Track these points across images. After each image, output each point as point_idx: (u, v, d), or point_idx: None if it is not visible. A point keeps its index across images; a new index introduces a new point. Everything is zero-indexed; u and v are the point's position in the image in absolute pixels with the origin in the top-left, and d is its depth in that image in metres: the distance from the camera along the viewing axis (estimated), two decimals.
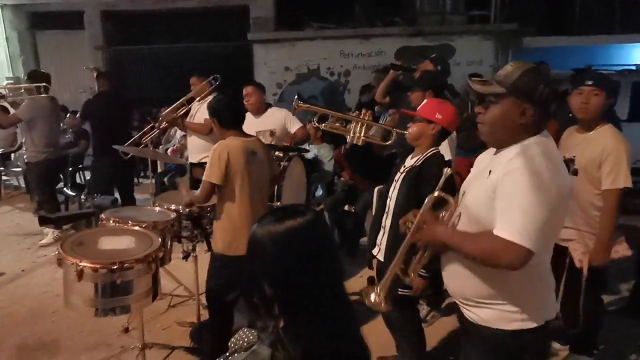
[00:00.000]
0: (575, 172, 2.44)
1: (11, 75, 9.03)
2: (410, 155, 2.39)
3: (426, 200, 1.75)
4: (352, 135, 2.63)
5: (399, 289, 2.33)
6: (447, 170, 1.85)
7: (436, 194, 1.73)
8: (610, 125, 2.45)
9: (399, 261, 1.79)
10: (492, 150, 1.67)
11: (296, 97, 2.93)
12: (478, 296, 1.60)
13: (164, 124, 4.31)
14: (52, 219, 3.63)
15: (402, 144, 2.68)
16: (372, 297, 1.76)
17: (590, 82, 2.39)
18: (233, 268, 2.59)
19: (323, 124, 2.77)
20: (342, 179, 5.00)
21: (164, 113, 4.29)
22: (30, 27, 9.30)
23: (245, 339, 1.03)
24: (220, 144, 2.62)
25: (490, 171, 1.56)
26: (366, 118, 2.62)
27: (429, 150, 2.30)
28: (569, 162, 2.45)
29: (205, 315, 3.28)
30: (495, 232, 1.43)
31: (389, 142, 2.77)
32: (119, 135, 4.50)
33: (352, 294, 3.11)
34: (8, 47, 9.26)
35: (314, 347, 0.92)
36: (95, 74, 5.16)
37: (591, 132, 2.44)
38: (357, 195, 4.61)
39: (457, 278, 1.67)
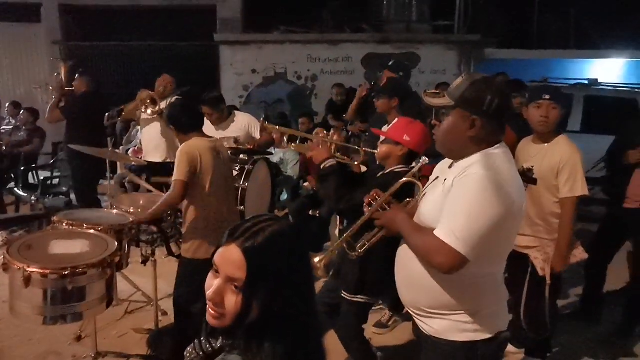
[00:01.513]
0: (535, 182, 2.52)
1: None
2: (381, 173, 2.39)
3: (396, 184, 1.77)
4: None
5: (360, 296, 2.34)
6: (424, 159, 1.87)
7: (407, 179, 1.76)
8: (565, 135, 2.55)
9: (350, 234, 1.82)
10: (449, 160, 1.68)
11: (262, 117, 2.92)
12: (430, 307, 1.60)
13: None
14: None
15: (374, 162, 2.69)
16: (316, 260, 1.79)
17: (547, 97, 2.48)
18: (204, 272, 2.50)
19: (292, 144, 2.73)
20: (307, 183, 4.99)
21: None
22: None
23: (203, 348, 0.99)
24: (188, 144, 2.56)
25: (445, 179, 1.57)
26: (335, 138, 2.59)
27: (397, 167, 2.29)
28: (527, 172, 2.53)
29: (164, 321, 3.19)
30: (436, 232, 1.45)
31: (357, 162, 2.75)
32: (99, 136, 4.37)
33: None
34: None
35: (300, 346, 0.92)
36: (63, 67, 4.88)
37: (548, 143, 2.53)
38: (322, 200, 4.61)
39: (410, 288, 1.67)
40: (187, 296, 2.58)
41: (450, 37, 8.31)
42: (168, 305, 2.98)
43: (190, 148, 2.52)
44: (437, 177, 1.70)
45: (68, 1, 8.57)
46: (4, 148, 5.51)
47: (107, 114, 4.71)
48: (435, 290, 1.57)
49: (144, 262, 3.04)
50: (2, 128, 6.23)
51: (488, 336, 1.56)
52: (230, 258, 0.91)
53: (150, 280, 3.21)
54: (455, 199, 1.45)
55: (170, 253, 3.09)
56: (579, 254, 2.57)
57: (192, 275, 2.57)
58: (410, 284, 1.66)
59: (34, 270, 2.02)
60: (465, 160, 1.54)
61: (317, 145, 2.41)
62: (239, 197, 3.43)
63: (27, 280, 2.00)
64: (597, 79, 7.01)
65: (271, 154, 4.49)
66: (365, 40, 8.25)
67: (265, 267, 0.90)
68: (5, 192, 5.47)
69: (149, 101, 4.15)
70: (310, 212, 4.62)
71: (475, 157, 1.52)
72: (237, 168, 3.55)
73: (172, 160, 4.22)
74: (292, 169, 5.04)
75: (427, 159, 1.90)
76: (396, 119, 2.49)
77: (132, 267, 2.91)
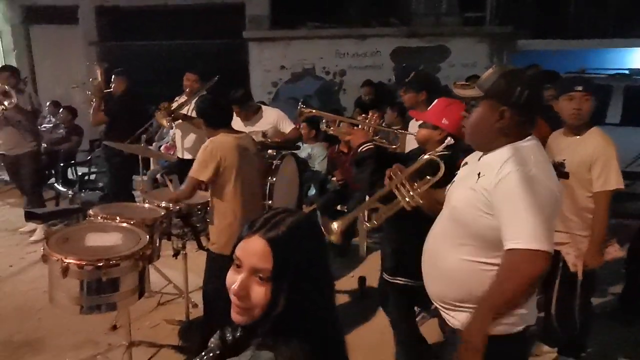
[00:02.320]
0: (567, 175, 2.44)
1: None
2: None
3: (419, 160, 1.77)
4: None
5: (399, 278, 2.33)
6: (449, 139, 1.85)
7: (429, 156, 1.75)
8: (598, 128, 2.46)
9: (368, 204, 1.83)
10: (479, 152, 1.65)
11: (301, 102, 2.90)
12: (457, 300, 1.59)
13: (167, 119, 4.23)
14: (39, 214, 3.60)
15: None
16: (334, 225, 1.81)
17: (580, 88, 2.40)
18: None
19: (331, 128, 2.69)
20: (334, 178, 4.99)
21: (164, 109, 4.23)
22: (24, 21, 9.21)
23: (224, 338, 1.02)
24: (212, 141, 2.60)
25: (479, 173, 1.54)
26: (373, 122, 2.44)
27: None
28: (559, 166, 2.45)
29: (194, 313, 3.27)
30: (511, 245, 1.41)
31: (396, 145, 2.62)
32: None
33: (343, 292, 3.12)
34: (1, 40, 9.18)
35: (320, 341, 0.92)
36: (99, 70, 5.02)
37: (580, 136, 2.45)
38: (348, 195, 4.60)
39: (437, 280, 1.66)
40: (217, 290, 2.63)
41: (481, 29, 8.11)
42: (198, 297, 3.05)
43: (214, 146, 2.55)
44: (466, 164, 1.69)
45: (102, 3, 8.84)
46: (45, 145, 5.75)
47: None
48: (462, 283, 1.56)
49: (175, 255, 3.12)
50: (42, 126, 6.50)
51: (515, 330, 1.54)
52: (253, 249, 0.91)
53: (181, 273, 3.29)
54: (507, 205, 1.42)
55: (200, 247, 3.16)
56: (614, 251, 2.48)
57: (220, 269, 2.61)
58: (438, 277, 1.65)
59: (71, 261, 2.10)
60: (495, 154, 1.52)
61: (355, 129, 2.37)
62: (267, 191, 3.47)
63: (65, 271, 2.09)
64: (638, 69, 6.69)
65: (299, 148, 4.51)
66: (393, 34, 8.16)
67: (289, 256, 0.90)
68: (46, 188, 5.72)
69: (164, 121, 4.22)
70: (338, 208, 4.63)
71: (506, 153, 1.49)
72: (265, 163, 3.59)
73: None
74: (319, 164, 5.05)
75: (452, 139, 1.87)
76: (436, 100, 2.41)
77: (163, 260, 3.00)
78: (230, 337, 0.98)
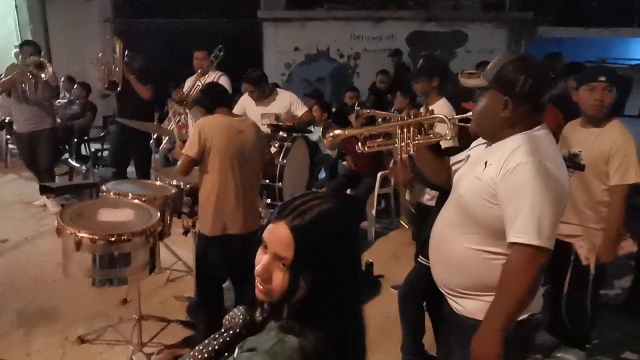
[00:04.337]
0: (582, 167, 2.41)
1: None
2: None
3: (432, 116, 1.75)
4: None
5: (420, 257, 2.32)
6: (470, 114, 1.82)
7: (441, 115, 1.74)
8: (618, 120, 2.41)
9: (368, 130, 1.84)
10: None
11: (357, 106, 2.86)
12: (462, 287, 1.59)
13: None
14: (53, 188, 3.66)
15: None
16: (336, 131, 1.85)
17: (603, 78, 2.32)
18: (217, 247, 2.63)
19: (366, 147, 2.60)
20: (344, 162, 4.98)
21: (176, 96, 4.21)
22: None
23: (241, 316, 1.02)
24: (202, 120, 2.61)
25: (486, 162, 1.52)
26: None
27: None
28: (574, 157, 2.42)
29: None
30: (514, 239, 1.39)
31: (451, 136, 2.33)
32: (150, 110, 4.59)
33: None
34: (18, 15, 9.19)
35: (345, 330, 0.92)
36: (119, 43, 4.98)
37: (599, 128, 2.39)
38: (358, 180, 4.60)
39: (443, 268, 1.66)
40: (202, 267, 2.73)
41: (501, 15, 7.94)
42: None
43: (204, 125, 2.55)
44: (469, 156, 1.66)
45: None
46: (59, 121, 5.80)
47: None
48: (469, 271, 1.56)
49: (185, 233, 3.16)
50: (57, 101, 6.56)
51: (519, 318, 1.52)
52: (278, 236, 0.90)
53: (190, 251, 3.33)
54: (514, 197, 1.40)
55: None
56: (628, 246, 2.45)
57: (204, 247, 2.69)
58: (444, 263, 1.65)
59: (84, 235, 2.15)
60: (504, 142, 1.50)
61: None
62: (277, 174, 3.48)
63: (78, 244, 2.13)
64: None
65: (310, 132, 4.49)
66: (410, 17, 8.03)
67: (313, 246, 0.88)
68: (60, 163, 5.79)
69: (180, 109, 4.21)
70: (348, 192, 4.63)
71: (515, 142, 1.46)
72: (277, 145, 3.60)
73: None
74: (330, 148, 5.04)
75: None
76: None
77: (173, 237, 3.04)
78: (259, 318, 0.99)
